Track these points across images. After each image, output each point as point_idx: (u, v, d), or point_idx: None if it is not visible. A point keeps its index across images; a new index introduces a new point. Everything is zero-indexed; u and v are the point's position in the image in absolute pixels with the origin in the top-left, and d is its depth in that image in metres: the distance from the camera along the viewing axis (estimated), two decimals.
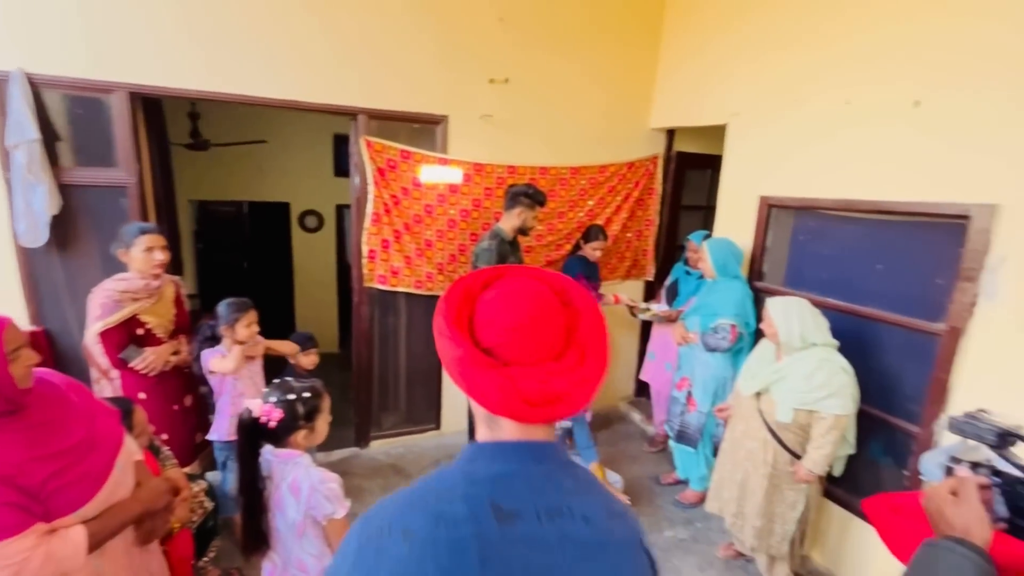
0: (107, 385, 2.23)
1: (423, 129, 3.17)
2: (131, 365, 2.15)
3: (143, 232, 2.16)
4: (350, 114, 2.95)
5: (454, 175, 3.21)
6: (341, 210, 5.99)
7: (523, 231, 3.03)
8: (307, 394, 1.42)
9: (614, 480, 2.90)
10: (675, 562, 2.60)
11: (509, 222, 2.97)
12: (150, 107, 2.83)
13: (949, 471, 1.00)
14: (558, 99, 3.41)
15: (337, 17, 2.77)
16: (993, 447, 0.97)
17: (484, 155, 3.27)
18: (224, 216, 6.16)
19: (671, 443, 3.16)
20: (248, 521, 1.38)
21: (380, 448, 3.45)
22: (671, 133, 3.81)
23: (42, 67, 2.31)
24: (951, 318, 2.03)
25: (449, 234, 3.28)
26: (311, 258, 6.04)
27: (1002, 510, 0.83)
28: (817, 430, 2.15)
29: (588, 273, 3.41)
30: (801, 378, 2.15)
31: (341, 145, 5.38)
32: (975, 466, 0.91)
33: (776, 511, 2.30)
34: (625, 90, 3.60)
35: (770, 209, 2.84)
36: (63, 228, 2.48)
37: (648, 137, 3.76)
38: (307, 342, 2.69)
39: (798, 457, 2.21)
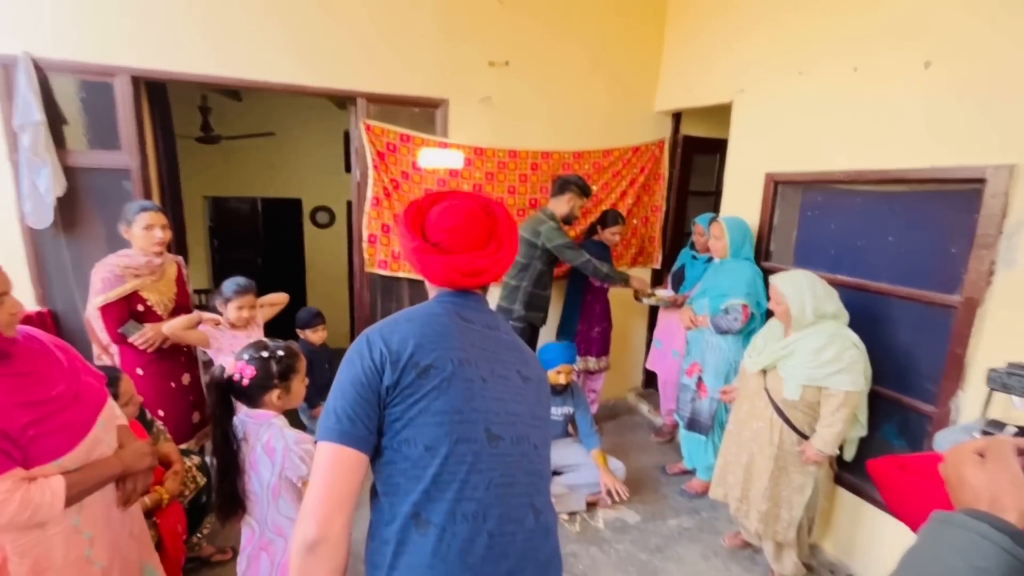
0: (107, 360, 2.27)
1: (423, 113, 3.16)
2: (130, 340, 2.17)
3: (143, 209, 2.19)
4: (350, 98, 2.96)
5: (454, 159, 3.20)
6: (351, 206, 6.04)
7: (568, 219, 3.07)
8: (281, 352, 1.40)
9: (616, 467, 2.82)
10: (679, 550, 2.51)
11: (559, 208, 3.04)
12: (156, 96, 2.89)
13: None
14: (560, 82, 3.37)
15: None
16: None
17: (485, 139, 3.24)
18: (238, 213, 6.28)
19: (681, 431, 3.06)
20: (222, 483, 1.37)
21: None
22: (678, 117, 3.73)
23: (47, 51, 2.37)
24: (967, 289, 1.92)
25: None
26: (323, 254, 6.11)
27: None
28: (827, 407, 2.05)
29: (602, 257, 3.35)
30: (810, 353, 2.05)
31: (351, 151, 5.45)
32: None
33: (782, 495, 2.19)
34: (629, 72, 3.54)
35: (776, 186, 2.75)
36: (69, 210, 2.54)
37: (654, 121, 3.69)
38: (314, 319, 2.70)
39: (806, 437, 2.11)
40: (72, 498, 1.24)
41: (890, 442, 2.29)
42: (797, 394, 2.08)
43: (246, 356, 1.36)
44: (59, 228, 2.53)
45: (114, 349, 2.25)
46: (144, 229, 2.18)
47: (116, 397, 1.71)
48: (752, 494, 2.24)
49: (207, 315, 2.28)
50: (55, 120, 2.45)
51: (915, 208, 2.17)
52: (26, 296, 2.51)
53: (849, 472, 2.36)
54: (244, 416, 1.40)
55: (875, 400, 2.20)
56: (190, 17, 2.55)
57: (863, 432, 2.18)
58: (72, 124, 2.55)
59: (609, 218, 3.33)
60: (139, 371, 2.24)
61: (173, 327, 2.19)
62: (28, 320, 2.34)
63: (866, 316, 2.22)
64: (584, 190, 3.07)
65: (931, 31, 2.00)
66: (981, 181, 1.86)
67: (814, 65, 2.49)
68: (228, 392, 1.36)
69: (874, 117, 2.23)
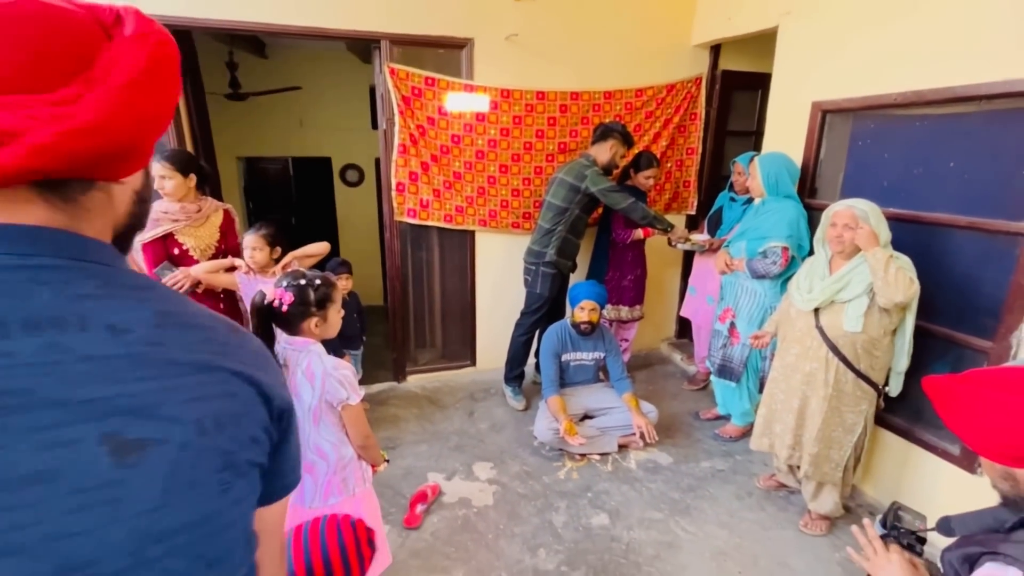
0: None
1: (448, 55, 3.07)
2: (162, 281, 2.26)
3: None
4: (373, 40, 2.90)
5: (480, 103, 3.11)
6: (380, 163, 6.03)
7: (609, 168, 2.98)
8: (318, 281, 1.42)
9: (649, 410, 2.81)
10: (711, 490, 2.52)
11: (601, 155, 2.96)
12: (184, 49, 2.89)
13: None
14: (589, 17, 3.20)
15: None
16: None
17: (511, 81, 3.14)
18: (271, 173, 6.37)
19: (712, 378, 3.02)
20: None
21: (416, 382, 3.52)
22: (716, 50, 3.50)
23: None
24: None
25: (477, 165, 3.21)
26: (353, 212, 6.16)
27: None
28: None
29: None
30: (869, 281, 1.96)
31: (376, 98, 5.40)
32: None
33: (833, 436, 2.13)
34: (663, 3, 3.32)
35: (824, 116, 2.56)
36: None
37: (690, 56, 3.48)
38: (340, 267, 2.74)
39: (862, 377, 2.03)
40: None
41: None
42: (859, 325, 1.99)
43: (284, 283, 1.39)
44: None
45: None
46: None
47: None
48: (805, 439, 2.19)
49: (239, 261, 2.33)
50: None
51: (982, 130, 1.99)
52: None
53: (896, 415, 2.28)
54: (285, 343, 1.44)
55: (925, 338, 2.10)
56: None
57: (906, 363, 2.08)
58: None
59: (643, 161, 3.21)
60: None
61: (199, 270, 2.26)
62: None
63: (918, 249, 2.08)
64: (627, 138, 2.99)
65: None
66: None
67: None
68: (269, 318, 1.40)
69: (938, 29, 2.03)
